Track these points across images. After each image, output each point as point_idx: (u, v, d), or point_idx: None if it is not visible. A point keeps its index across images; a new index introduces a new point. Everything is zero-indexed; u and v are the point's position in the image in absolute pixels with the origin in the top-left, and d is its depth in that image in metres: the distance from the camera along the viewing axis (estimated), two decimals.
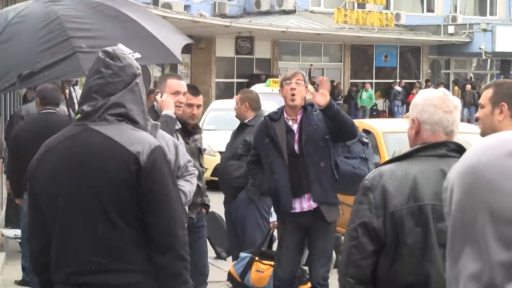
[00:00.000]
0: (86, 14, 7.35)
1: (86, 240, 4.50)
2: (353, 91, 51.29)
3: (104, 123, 4.51)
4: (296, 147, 8.43)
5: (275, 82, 31.16)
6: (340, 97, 48.81)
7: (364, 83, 51.95)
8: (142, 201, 4.44)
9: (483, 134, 5.93)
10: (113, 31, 7.28)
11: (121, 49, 5.22)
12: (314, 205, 8.36)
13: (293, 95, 8.31)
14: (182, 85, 8.17)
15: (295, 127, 8.45)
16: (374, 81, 54.00)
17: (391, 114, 49.69)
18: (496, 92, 5.91)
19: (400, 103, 49.69)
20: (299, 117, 8.43)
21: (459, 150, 4.61)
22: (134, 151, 4.40)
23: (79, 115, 4.79)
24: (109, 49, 4.74)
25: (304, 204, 8.41)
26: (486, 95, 5.97)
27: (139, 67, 4.87)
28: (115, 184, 4.47)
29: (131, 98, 4.62)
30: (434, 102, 4.80)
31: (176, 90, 7.89)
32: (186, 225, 4.86)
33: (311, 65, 51.38)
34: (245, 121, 10.39)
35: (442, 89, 5.20)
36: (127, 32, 7.45)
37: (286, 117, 8.54)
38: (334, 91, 45.26)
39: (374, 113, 50.71)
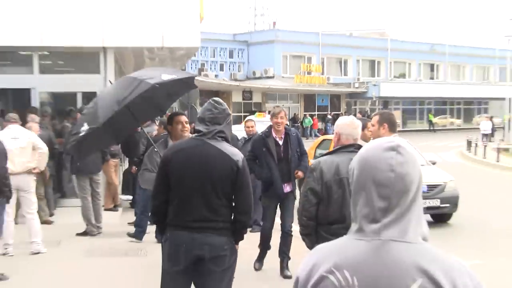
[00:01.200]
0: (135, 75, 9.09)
1: (202, 204, 6.19)
2: (306, 119, 64.73)
3: (214, 141, 6.25)
4: (281, 154, 11.14)
5: (260, 115, 39.14)
6: (299, 121, 63.86)
7: (310, 114, 67.25)
8: (236, 187, 6.26)
9: None
10: (157, 72, 9.09)
11: (220, 100, 6.59)
12: (289, 189, 11.21)
13: (278, 125, 11.00)
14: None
15: (281, 142, 11.19)
16: (316, 113, 69.48)
17: (325, 131, 60.05)
18: (380, 117, 8.05)
19: (330, 124, 59.81)
20: (283, 137, 11.15)
21: (360, 148, 5.36)
22: (236, 159, 6.23)
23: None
24: (216, 99, 6.49)
25: (287, 188, 11.09)
26: (375, 119, 8.07)
27: (229, 112, 6.57)
28: (224, 177, 6.20)
29: (227, 128, 6.43)
30: (347, 123, 6.82)
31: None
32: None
33: (283, 105, 60.67)
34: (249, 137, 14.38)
35: (351, 116, 7.25)
36: (162, 69, 10.36)
37: (275, 136, 11.13)
38: (295, 119, 64.01)
39: (313, 130, 64.31)
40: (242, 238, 6.44)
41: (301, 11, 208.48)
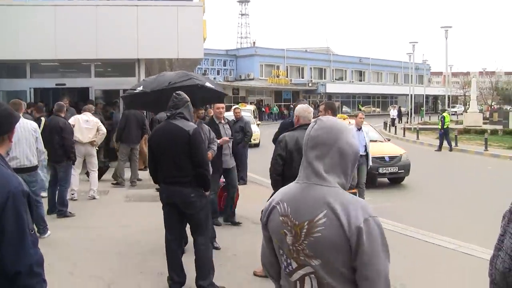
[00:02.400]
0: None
1: (171, 165, 6.09)
2: (273, 107, 65.34)
3: (175, 120, 6.12)
4: None
5: (243, 105, 37.97)
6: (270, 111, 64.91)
7: (278, 105, 67.92)
8: (191, 150, 6.01)
9: None
10: (204, 78, 9.06)
11: (182, 92, 6.32)
12: None
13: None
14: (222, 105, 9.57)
15: None
16: (283, 103, 69.23)
17: (289, 115, 50.78)
18: (325, 106, 7.82)
19: (293, 112, 65.11)
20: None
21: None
22: (187, 129, 6.01)
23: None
24: (177, 92, 6.32)
25: None
26: (322, 107, 7.82)
27: (188, 99, 6.24)
28: (182, 144, 6.00)
29: (185, 110, 6.16)
30: (304, 109, 6.69)
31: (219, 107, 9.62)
32: (209, 160, 6.49)
33: (261, 99, 67.71)
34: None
35: (307, 105, 7.02)
36: (207, 78, 9.87)
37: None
38: (269, 107, 64.57)
39: (280, 116, 62.51)
40: (207, 187, 6.31)
41: (273, 34, 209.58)
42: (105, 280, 6.91)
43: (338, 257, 2.43)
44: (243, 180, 14.72)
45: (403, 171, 15.73)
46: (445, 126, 26.24)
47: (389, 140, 18.39)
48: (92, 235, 9.17)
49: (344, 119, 17.41)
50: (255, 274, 7.03)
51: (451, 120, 30.57)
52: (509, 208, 2.69)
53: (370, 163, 12.22)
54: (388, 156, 15.56)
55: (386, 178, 16.02)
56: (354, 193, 9.15)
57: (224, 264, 7.51)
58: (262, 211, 2.81)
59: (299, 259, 2.52)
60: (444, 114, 26.95)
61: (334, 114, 8.02)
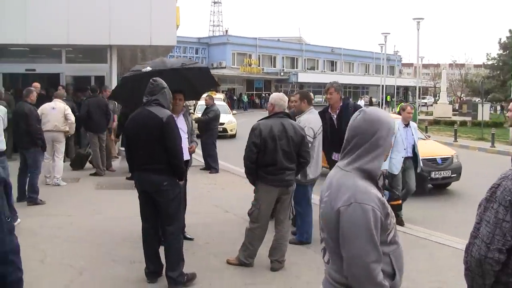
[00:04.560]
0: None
1: (147, 152, 5.97)
2: (244, 96, 64.48)
3: (150, 106, 6.01)
4: (335, 127, 8.50)
5: (212, 93, 30.50)
6: (237, 98, 63.92)
7: (249, 93, 67.83)
8: (164, 138, 5.88)
9: (296, 112, 7.92)
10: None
11: (159, 79, 6.18)
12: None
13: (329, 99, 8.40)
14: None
15: (335, 116, 8.64)
16: (254, 92, 69.60)
17: (261, 106, 60.86)
18: (301, 95, 7.94)
19: (264, 101, 61.47)
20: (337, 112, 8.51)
21: (287, 115, 6.72)
22: (161, 117, 5.89)
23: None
24: (154, 78, 6.19)
25: (335, 156, 8.50)
26: (297, 96, 7.93)
27: (165, 85, 6.14)
28: (155, 130, 5.87)
29: (161, 97, 6.05)
30: (280, 97, 6.81)
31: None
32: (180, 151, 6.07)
33: (233, 88, 67.03)
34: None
35: (282, 93, 7.18)
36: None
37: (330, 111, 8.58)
38: (240, 96, 64.31)
39: (250, 104, 63.95)
40: (180, 175, 6.24)
41: (245, 23, 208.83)
42: (76, 268, 6.85)
43: (331, 234, 2.67)
44: (214, 169, 14.78)
45: (455, 175, 13.24)
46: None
47: (429, 137, 16.43)
48: (63, 223, 9.09)
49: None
50: (228, 262, 7.04)
51: (421, 111, 30.77)
52: (485, 197, 2.75)
53: (421, 166, 10.19)
54: (441, 158, 13.15)
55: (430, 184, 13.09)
56: (399, 205, 9.28)
57: (197, 252, 7.51)
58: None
59: (322, 231, 2.84)
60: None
61: (310, 103, 8.05)
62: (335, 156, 8.41)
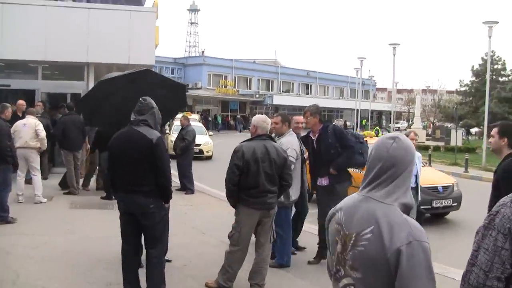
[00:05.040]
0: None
1: (131, 173, 5.85)
2: (218, 117, 65.23)
3: (138, 126, 5.90)
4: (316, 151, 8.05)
5: (187, 113, 26.82)
6: (212, 119, 64.44)
7: (224, 115, 68.16)
8: (153, 159, 5.78)
9: (276, 134, 8.07)
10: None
11: (148, 98, 6.07)
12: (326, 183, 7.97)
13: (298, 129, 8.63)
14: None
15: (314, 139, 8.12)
16: (229, 114, 69.31)
17: (235, 127, 63.96)
18: (282, 118, 8.13)
19: (239, 122, 64.80)
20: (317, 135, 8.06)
21: (270, 137, 6.73)
22: (151, 138, 5.80)
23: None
24: (144, 97, 6.07)
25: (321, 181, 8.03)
26: (278, 119, 8.08)
27: (155, 105, 6.06)
28: (144, 151, 5.77)
29: (149, 117, 5.96)
30: (262, 120, 6.78)
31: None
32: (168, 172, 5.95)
33: (208, 109, 67.45)
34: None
35: (264, 116, 6.94)
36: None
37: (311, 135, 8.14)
38: (214, 117, 64.85)
39: (225, 125, 64.98)
40: (168, 197, 6.08)
41: (222, 44, 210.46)
42: None
43: (377, 275, 2.46)
44: (190, 190, 14.72)
45: (456, 204, 12.79)
46: None
47: (426, 163, 15.94)
48: (37, 243, 8.86)
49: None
50: (207, 286, 6.92)
51: None
52: (483, 224, 2.70)
53: (419, 197, 9.53)
54: (442, 186, 12.75)
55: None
56: None
57: (175, 275, 7.37)
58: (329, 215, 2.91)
59: (345, 268, 2.60)
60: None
61: (289, 126, 8.10)
62: (320, 181, 8.10)
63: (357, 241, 2.54)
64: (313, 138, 8.19)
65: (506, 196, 2.68)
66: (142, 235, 6.15)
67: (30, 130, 12.01)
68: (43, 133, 12.27)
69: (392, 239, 2.42)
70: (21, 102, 14.11)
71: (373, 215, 2.52)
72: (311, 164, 8.22)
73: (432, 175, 13.52)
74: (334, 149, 7.87)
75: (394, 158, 2.60)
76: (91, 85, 16.71)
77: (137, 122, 5.94)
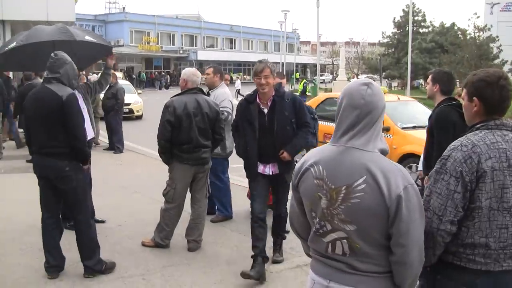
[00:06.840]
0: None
1: (43, 134, 5.45)
2: (143, 74, 64.32)
3: (49, 83, 5.50)
4: (265, 126, 5.63)
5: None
6: (136, 76, 63.01)
7: (148, 72, 66.78)
8: (63, 118, 5.35)
9: (208, 86, 7.83)
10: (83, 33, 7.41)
11: (61, 52, 5.65)
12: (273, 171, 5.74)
13: (263, 87, 5.65)
14: None
15: (266, 110, 5.69)
16: (154, 71, 67.35)
17: (154, 85, 61.92)
18: (214, 70, 7.84)
19: (162, 80, 62.65)
20: (269, 103, 5.72)
21: (200, 91, 6.52)
22: (60, 95, 5.36)
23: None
24: (56, 52, 5.64)
25: (265, 169, 5.76)
26: (210, 70, 7.84)
27: (68, 60, 5.61)
28: (55, 110, 5.35)
29: (63, 73, 5.54)
30: (193, 73, 6.56)
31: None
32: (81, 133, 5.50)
33: (132, 67, 65.66)
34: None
35: (194, 69, 6.79)
36: (88, 32, 8.37)
37: (259, 102, 5.76)
38: (138, 75, 64.50)
39: (149, 83, 63.39)
40: (83, 158, 5.65)
41: (143, 0, 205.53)
42: None
43: (374, 224, 2.45)
44: (118, 148, 14.50)
45: None
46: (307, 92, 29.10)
47: None
48: None
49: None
50: (143, 244, 6.83)
51: (320, 88, 32.39)
52: (435, 169, 2.74)
53: None
54: None
55: None
56: None
57: (110, 236, 7.23)
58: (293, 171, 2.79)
59: (333, 222, 2.54)
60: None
61: (222, 78, 7.97)
62: (262, 168, 5.90)
63: (350, 193, 2.48)
64: (262, 107, 5.83)
65: (456, 140, 2.74)
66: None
67: None
68: None
69: (390, 187, 2.43)
70: None
71: (362, 165, 2.46)
72: (252, 142, 5.83)
73: None
74: (290, 125, 5.82)
75: (371, 104, 2.55)
76: None
77: (49, 80, 5.56)
